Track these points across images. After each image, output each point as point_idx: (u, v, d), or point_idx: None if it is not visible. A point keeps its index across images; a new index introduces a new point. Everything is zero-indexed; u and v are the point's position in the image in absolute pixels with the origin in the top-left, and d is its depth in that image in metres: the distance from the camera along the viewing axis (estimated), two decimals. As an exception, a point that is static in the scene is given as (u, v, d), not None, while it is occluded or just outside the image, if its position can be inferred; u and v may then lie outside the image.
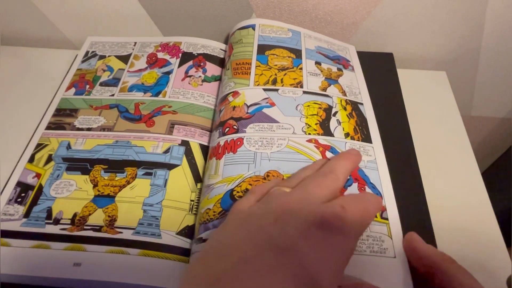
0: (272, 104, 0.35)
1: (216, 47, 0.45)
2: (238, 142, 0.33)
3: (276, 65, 0.39)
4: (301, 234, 0.20)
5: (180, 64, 0.43)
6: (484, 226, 0.35)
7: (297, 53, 0.40)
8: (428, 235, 0.32)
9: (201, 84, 0.41)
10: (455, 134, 0.42)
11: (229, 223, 0.24)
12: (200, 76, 0.42)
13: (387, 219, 0.29)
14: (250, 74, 0.38)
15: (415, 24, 0.48)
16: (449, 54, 0.51)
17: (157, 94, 0.40)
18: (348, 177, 0.30)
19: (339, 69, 0.40)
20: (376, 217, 0.29)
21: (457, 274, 0.23)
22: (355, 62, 0.43)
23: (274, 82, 0.37)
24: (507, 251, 0.33)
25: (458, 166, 0.39)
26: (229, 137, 0.33)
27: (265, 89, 0.36)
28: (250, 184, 0.30)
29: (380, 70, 0.44)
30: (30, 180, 0.34)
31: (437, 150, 0.40)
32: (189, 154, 0.35)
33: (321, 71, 0.39)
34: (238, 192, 0.30)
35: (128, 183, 0.33)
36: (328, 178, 0.25)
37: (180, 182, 0.34)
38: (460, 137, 0.42)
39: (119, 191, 0.33)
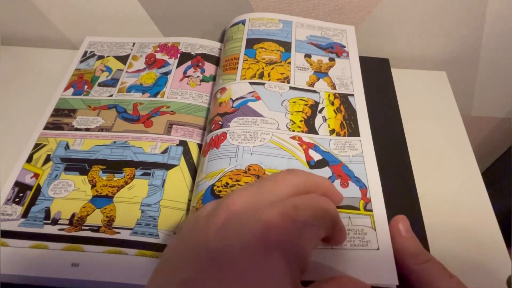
0: (258, 98, 0.35)
1: (214, 47, 0.45)
2: (222, 137, 0.32)
3: (264, 58, 0.38)
4: (242, 249, 0.18)
5: (179, 65, 0.43)
6: (484, 226, 0.35)
7: (287, 46, 0.40)
8: (419, 233, 0.31)
9: (199, 84, 0.41)
10: (455, 134, 0.42)
11: (182, 228, 0.23)
12: (198, 76, 0.42)
13: (371, 210, 0.29)
14: (237, 69, 0.38)
15: (415, 24, 0.48)
16: (449, 54, 0.51)
17: (155, 95, 0.40)
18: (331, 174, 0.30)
19: (331, 59, 0.40)
20: (359, 209, 0.29)
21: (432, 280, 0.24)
22: (351, 46, 0.41)
23: (261, 76, 0.37)
24: (507, 251, 0.33)
25: (458, 166, 0.39)
26: (213, 133, 0.33)
27: (251, 83, 0.36)
28: (231, 178, 0.30)
29: (376, 75, 0.44)
30: (28, 180, 0.34)
31: (437, 150, 0.40)
32: (187, 153, 0.35)
33: (311, 64, 0.39)
34: (218, 186, 0.29)
35: (126, 183, 0.33)
36: (292, 173, 0.23)
37: (178, 182, 0.34)
38: (460, 137, 0.42)
39: (117, 191, 0.33)
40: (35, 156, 0.36)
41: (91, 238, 0.30)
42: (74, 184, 0.33)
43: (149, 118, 0.38)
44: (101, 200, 0.32)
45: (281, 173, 0.23)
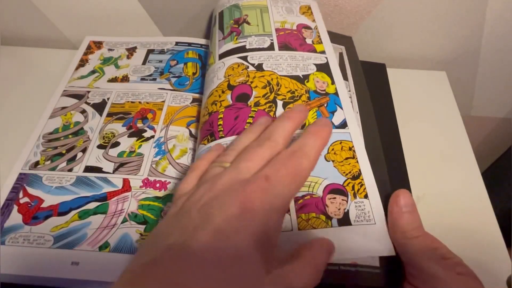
0: None
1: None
2: None
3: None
4: (224, 219, 0.20)
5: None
6: (484, 226, 0.35)
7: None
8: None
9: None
10: (455, 134, 0.42)
11: (168, 216, 0.23)
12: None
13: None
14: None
15: (415, 24, 0.48)
16: (449, 54, 0.51)
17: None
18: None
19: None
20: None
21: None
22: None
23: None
24: (507, 251, 0.33)
25: (458, 166, 0.39)
26: None
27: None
28: None
29: (372, 80, 0.43)
30: (28, 179, 0.34)
31: (437, 150, 0.40)
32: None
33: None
34: None
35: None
36: (263, 146, 0.24)
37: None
38: (460, 137, 0.42)
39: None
40: (35, 156, 0.36)
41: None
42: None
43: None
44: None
45: (252, 149, 0.24)
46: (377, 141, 0.33)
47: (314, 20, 0.40)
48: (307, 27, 0.39)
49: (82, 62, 0.45)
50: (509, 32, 0.48)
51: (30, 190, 0.33)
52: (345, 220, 0.26)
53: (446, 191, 0.37)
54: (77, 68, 0.44)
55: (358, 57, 0.41)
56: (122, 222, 0.31)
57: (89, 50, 0.46)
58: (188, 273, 0.18)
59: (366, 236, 0.26)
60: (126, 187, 0.33)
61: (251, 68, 0.35)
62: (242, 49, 0.36)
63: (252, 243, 0.19)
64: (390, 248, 0.25)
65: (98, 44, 0.47)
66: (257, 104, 0.32)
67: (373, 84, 0.43)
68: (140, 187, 0.33)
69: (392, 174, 0.36)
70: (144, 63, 0.44)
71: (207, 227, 0.19)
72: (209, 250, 0.19)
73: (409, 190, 0.35)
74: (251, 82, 0.33)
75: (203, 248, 0.19)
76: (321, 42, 0.38)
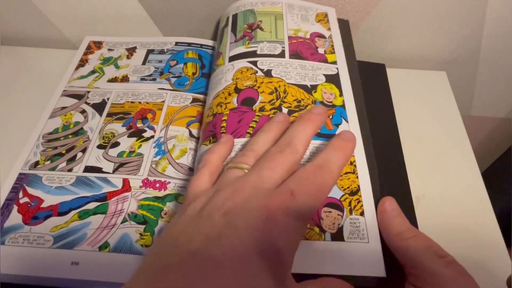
0: None
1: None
2: None
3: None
4: (248, 229, 0.20)
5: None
6: (484, 226, 0.35)
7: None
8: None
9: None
10: (455, 134, 0.42)
11: (183, 215, 0.23)
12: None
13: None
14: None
15: (415, 24, 0.48)
16: (449, 54, 0.51)
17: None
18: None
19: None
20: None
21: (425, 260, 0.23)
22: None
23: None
24: (507, 251, 0.33)
25: (458, 166, 0.39)
26: None
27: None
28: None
29: (372, 80, 0.43)
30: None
31: (437, 150, 0.40)
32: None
33: None
34: None
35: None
36: (284, 153, 0.24)
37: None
38: (460, 137, 0.42)
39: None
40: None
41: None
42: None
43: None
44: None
45: (274, 156, 0.24)
46: (370, 148, 0.32)
47: (329, 29, 0.40)
48: (321, 36, 0.39)
49: (82, 62, 0.45)
50: (509, 32, 0.48)
51: (30, 190, 0.33)
52: (338, 235, 0.26)
53: (446, 191, 0.37)
54: (77, 68, 0.44)
55: (352, 42, 0.40)
56: (122, 222, 0.31)
57: (89, 50, 0.46)
58: (211, 281, 0.18)
59: (357, 254, 0.25)
60: (126, 187, 0.33)
61: (259, 73, 0.35)
62: (253, 54, 0.36)
63: (270, 257, 0.19)
64: (381, 270, 0.25)
65: (98, 44, 0.47)
66: (262, 109, 0.32)
67: (372, 85, 0.43)
68: (140, 187, 0.33)
69: (392, 175, 0.36)
70: (144, 63, 0.44)
71: (231, 236, 0.19)
72: (233, 259, 0.19)
73: (409, 190, 0.35)
74: (258, 87, 0.33)
75: (227, 257, 0.19)
76: (333, 52, 0.38)
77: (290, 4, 0.41)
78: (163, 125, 0.38)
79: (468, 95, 0.57)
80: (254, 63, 0.35)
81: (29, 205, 0.32)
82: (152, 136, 0.37)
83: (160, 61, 0.44)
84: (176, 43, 0.46)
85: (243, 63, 0.36)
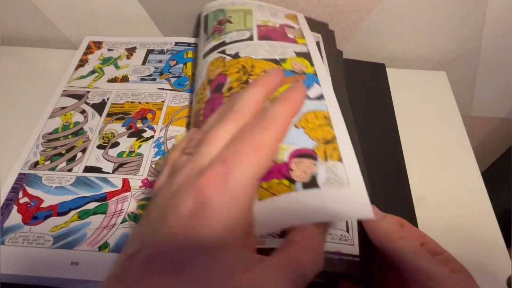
0: None
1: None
2: None
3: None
4: (175, 222, 0.17)
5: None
6: (484, 226, 0.35)
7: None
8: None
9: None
10: (455, 134, 0.42)
11: (144, 216, 0.21)
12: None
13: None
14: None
15: (415, 24, 0.48)
16: (449, 54, 0.51)
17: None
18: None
19: None
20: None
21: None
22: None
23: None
24: (507, 251, 0.33)
25: (458, 166, 0.39)
26: None
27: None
28: None
29: (372, 80, 0.43)
30: (28, 179, 0.34)
31: (437, 150, 0.40)
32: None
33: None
34: None
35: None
36: (224, 121, 0.20)
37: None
38: (460, 137, 0.42)
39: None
40: (35, 156, 0.36)
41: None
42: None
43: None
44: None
45: (214, 127, 0.20)
46: (353, 133, 0.31)
47: (298, 24, 0.39)
48: (290, 27, 0.38)
49: (82, 62, 0.45)
50: (509, 32, 0.48)
51: (30, 190, 0.33)
52: (311, 184, 0.23)
53: (446, 191, 0.37)
54: (76, 68, 0.44)
55: (336, 45, 0.40)
56: (122, 222, 0.31)
57: (89, 50, 0.46)
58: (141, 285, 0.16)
59: (337, 200, 0.23)
60: (126, 187, 0.33)
61: (228, 58, 0.33)
62: (222, 44, 0.36)
63: (217, 238, 0.17)
64: (368, 210, 0.22)
65: (98, 44, 0.47)
66: (230, 89, 0.30)
67: (372, 85, 0.43)
68: (140, 187, 0.33)
69: (392, 175, 0.36)
70: (143, 63, 0.44)
71: (160, 233, 0.17)
72: (164, 257, 0.16)
73: (409, 190, 0.35)
74: (226, 71, 0.32)
75: (157, 257, 0.16)
76: (303, 38, 0.36)
77: (260, 5, 0.41)
78: (163, 125, 0.38)
79: (468, 95, 0.57)
80: (223, 52, 0.34)
81: (29, 205, 0.32)
82: (152, 137, 0.37)
83: (160, 61, 0.44)
84: (176, 43, 0.46)
85: (214, 55, 0.35)
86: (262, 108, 0.21)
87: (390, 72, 0.46)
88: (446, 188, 0.37)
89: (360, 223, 0.27)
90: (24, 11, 0.49)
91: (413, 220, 0.33)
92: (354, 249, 0.27)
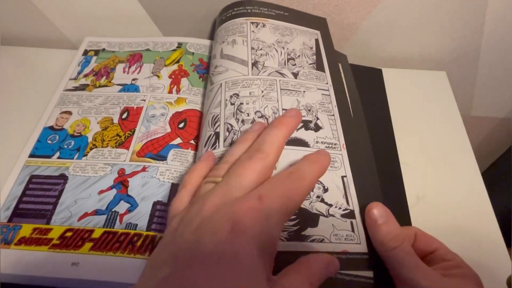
0: None
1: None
2: None
3: None
4: (214, 245, 0.19)
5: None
6: (484, 226, 0.35)
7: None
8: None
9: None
10: (455, 134, 0.42)
11: (165, 236, 0.23)
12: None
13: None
14: None
15: (415, 24, 0.48)
16: (449, 54, 0.51)
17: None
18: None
19: None
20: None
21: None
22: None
23: None
24: (507, 251, 0.33)
25: (458, 166, 0.39)
26: None
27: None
28: None
29: (368, 85, 0.43)
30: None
31: (437, 150, 0.40)
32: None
33: None
34: None
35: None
36: (253, 159, 0.23)
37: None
38: (460, 137, 0.42)
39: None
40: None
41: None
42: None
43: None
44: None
45: (243, 163, 0.23)
46: (365, 140, 0.32)
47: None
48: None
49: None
50: (509, 32, 0.48)
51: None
52: None
53: (446, 191, 0.37)
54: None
55: (332, 42, 0.40)
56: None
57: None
58: None
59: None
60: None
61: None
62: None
63: (248, 266, 0.19)
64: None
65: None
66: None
67: (368, 90, 0.43)
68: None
69: (387, 178, 0.36)
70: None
71: (199, 256, 0.19)
72: (204, 281, 0.18)
73: (403, 191, 0.35)
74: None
75: (198, 280, 0.18)
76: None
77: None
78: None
79: (468, 95, 0.57)
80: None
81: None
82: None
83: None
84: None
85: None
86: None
87: (390, 73, 0.46)
88: (446, 188, 0.37)
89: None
90: (24, 11, 0.49)
91: (407, 221, 0.33)
92: (362, 248, 0.26)
